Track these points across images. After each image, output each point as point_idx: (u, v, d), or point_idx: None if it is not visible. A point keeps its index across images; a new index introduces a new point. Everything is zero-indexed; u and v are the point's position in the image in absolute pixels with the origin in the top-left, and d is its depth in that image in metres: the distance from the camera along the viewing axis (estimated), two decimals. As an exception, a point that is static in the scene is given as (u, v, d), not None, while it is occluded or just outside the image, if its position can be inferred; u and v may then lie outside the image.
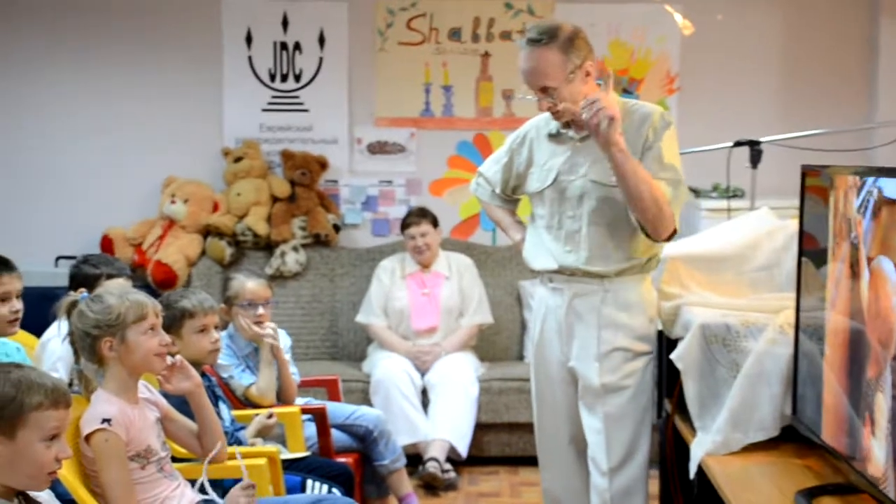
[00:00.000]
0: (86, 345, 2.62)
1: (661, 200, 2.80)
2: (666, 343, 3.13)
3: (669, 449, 3.15)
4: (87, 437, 2.52)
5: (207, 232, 5.32)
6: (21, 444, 2.00)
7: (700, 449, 2.74)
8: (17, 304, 3.04)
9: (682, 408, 2.96)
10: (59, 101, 5.42)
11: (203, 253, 5.33)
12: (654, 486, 3.36)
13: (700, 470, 2.73)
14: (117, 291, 2.68)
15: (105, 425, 2.51)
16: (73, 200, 5.43)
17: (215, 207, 5.35)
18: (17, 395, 2.02)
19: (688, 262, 3.19)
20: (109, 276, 3.45)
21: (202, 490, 2.67)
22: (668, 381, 3.20)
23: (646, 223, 2.83)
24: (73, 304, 2.64)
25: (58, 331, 3.23)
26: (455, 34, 5.43)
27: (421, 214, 4.97)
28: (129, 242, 5.35)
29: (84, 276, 3.42)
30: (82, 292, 2.70)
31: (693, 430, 2.85)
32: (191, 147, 5.47)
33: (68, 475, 2.43)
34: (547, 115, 2.99)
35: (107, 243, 5.31)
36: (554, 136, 3.07)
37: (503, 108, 5.47)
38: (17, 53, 5.39)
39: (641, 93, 5.35)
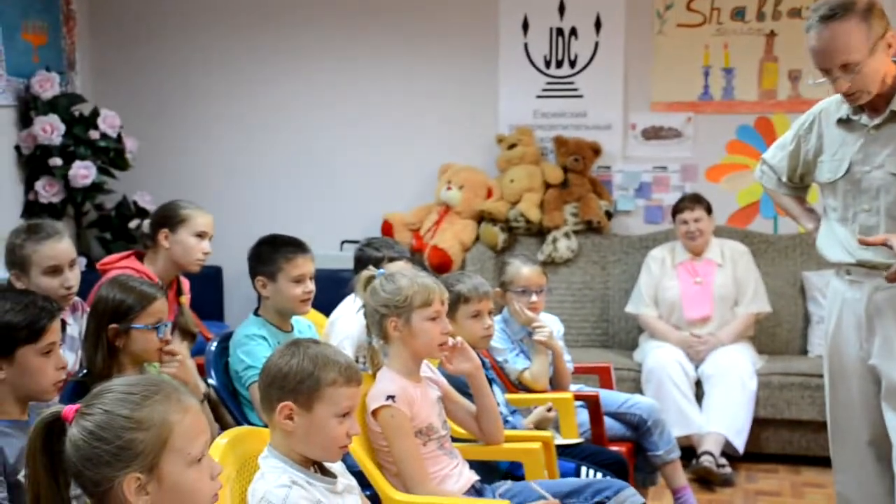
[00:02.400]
0: (375, 321, 2.73)
1: None
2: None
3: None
4: (374, 413, 2.63)
5: (481, 218, 5.41)
6: (317, 418, 2.12)
7: None
8: (311, 286, 3.21)
9: None
10: (341, 94, 5.68)
11: (477, 238, 5.43)
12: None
13: None
14: (409, 274, 2.76)
15: (390, 402, 2.62)
16: (355, 188, 5.68)
17: (489, 194, 5.44)
18: (315, 371, 2.14)
19: None
20: (391, 259, 3.57)
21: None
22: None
23: None
24: (370, 279, 2.76)
25: (354, 303, 3.40)
26: (738, 13, 5.20)
27: (695, 200, 4.81)
28: (408, 227, 5.54)
29: (368, 259, 3.56)
30: (380, 269, 2.81)
31: None
32: (466, 134, 5.58)
33: (357, 448, 2.55)
34: (837, 98, 2.80)
35: (387, 228, 5.53)
36: (844, 122, 2.87)
37: (788, 90, 5.19)
38: (297, 49, 5.68)
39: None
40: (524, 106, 5.50)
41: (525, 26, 5.44)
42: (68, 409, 1.59)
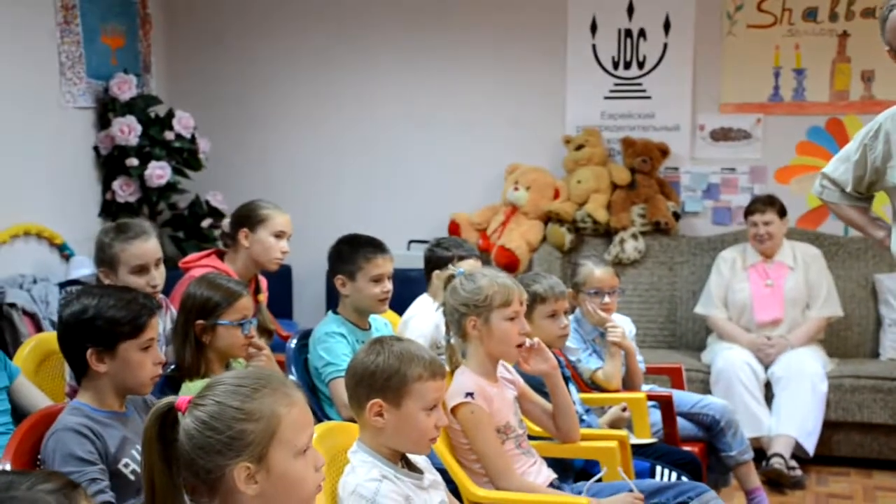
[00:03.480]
0: (454, 319, 2.77)
1: None
2: None
3: None
4: (453, 410, 2.67)
5: (548, 218, 5.43)
6: (406, 413, 2.17)
7: None
8: (388, 285, 3.26)
9: None
10: (409, 95, 5.74)
11: (544, 239, 5.45)
12: None
13: None
14: (490, 274, 2.79)
15: (469, 398, 2.66)
16: (423, 188, 5.73)
17: (556, 194, 5.46)
18: (401, 367, 2.20)
19: None
20: (461, 258, 3.61)
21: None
22: None
23: None
24: (451, 278, 2.80)
25: (427, 302, 3.45)
26: (810, 14, 5.16)
27: (768, 202, 4.79)
28: (474, 227, 5.57)
29: (437, 259, 3.62)
30: (460, 268, 2.86)
31: None
32: (533, 135, 5.61)
33: (439, 445, 2.60)
34: None
35: (454, 228, 5.56)
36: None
37: (861, 91, 5.13)
38: (366, 51, 5.74)
39: None
40: (592, 107, 5.51)
41: (593, 27, 5.46)
42: (181, 400, 1.66)
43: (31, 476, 1.17)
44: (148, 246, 3.16)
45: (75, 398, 2.32)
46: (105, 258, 3.15)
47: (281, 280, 5.66)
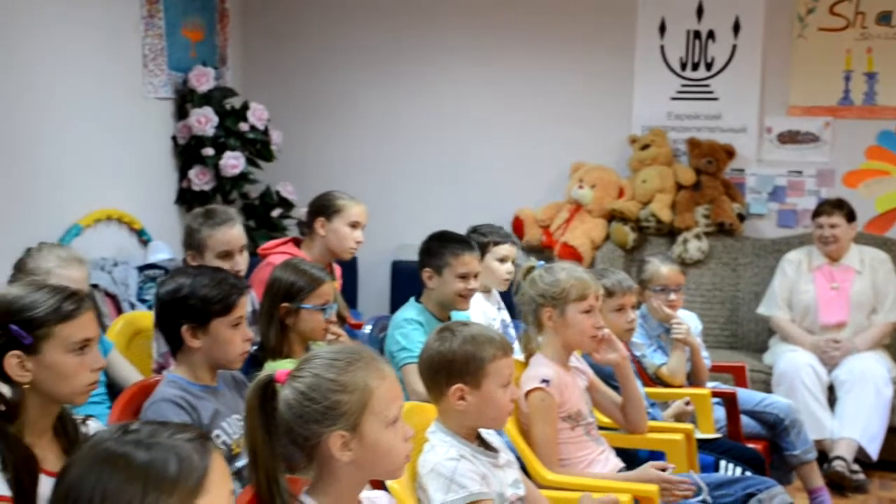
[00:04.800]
0: (530, 310, 2.87)
1: None
2: None
3: None
4: (526, 394, 2.76)
5: (612, 217, 5.49)
6: (486, 393, 2.27)
7: None
8: (474, 283, 3.34)
9: None
10: (476, 91, 5.81)
11: (607, 237, 5.50)
12: None
13: None
14: (568, 267, 2.89)
15: (543, 385, 2.75)
16: (487, 184, 5.79)
17: (620, 193, 5.51)
18: (476, 350, 2.29)
19: None
20: (496, 243, 3.79)
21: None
22: None
23: None
24: (530, 269, 2.90)
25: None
26: (884, 18, 5.14)
27: (836, 205, 4.79)
28: (538, 224, 5.64)
29: (475, 244, 3.67)
30: (539, 260, 2.95)
31: None
32: (599, 134, 5.66)
33: (511, 427, 2.69)
34: None
35: (518, 224, 5.64)
36: None
37: (934, 96, 5.13)
38: (434, 48, 5.84)
39: None
40: (658, 107, 5.55)
41: (662, 29, 5.49)
42: (280, 373, 1.77)
43: (170, 427, 1.28)
44: (234, 232, 3.29)
45: (171, 371, 2.45)
46: (193, 243, 3.28)
47: (347, 270, 5.79)
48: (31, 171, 4.22)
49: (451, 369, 2.28)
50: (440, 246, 3.36)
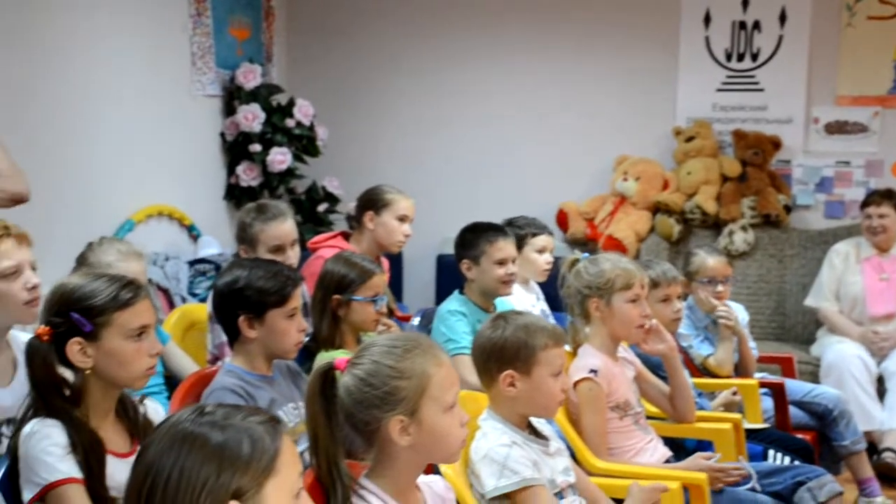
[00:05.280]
0: (577, 301, 2.90)
1: None
2: None
3: None
4: (575, 384, 2.79)
5: (657, 209, 5.49)
6: (536, 380, 2.31)
7: None
8: (513, 268, 3.38)
9: None
10: (519, 85, 5.82)
11: (652, 229, 5.50)
12: None
13: None
14: (612, 258, 2.92)
15: (591, 375, 2.78)
16: (531, 177, 5.81)
17: (665, 185, 5.50)
18: (528, 338, 2.33)
19: None
20: (534, 235, 3.83)
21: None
22: None
23: None
24: (574, 261, 2.93)
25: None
26: (935, 5, 5.12)
27: (885, 195, 4.74)
28: (582, 216, 5.65)
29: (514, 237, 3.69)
30: (583, 252, 2.98)
31: None
32: (643, 126, 5.65)
33: (561, 417, 2.72)
34: None
35: (561, 217, 5.66)
36: None
37: (983, 83, 5.07)
38: (479, 43, 5.85)
39: None
40: (703, 99, 5.53)
41: (707, 20, 5.48)
42: (340, 360, 1.82)
43: (243, 410, 1.34)
44: (285, 227, 3.35)
45: (229, 361, 2.51)
46: (246, 237, 3.34)
47: (392, 264, 5.84)
48: (87, 168, 4.32)
49: (502, 355, 2.32)
50: (474, 236, 3.41)
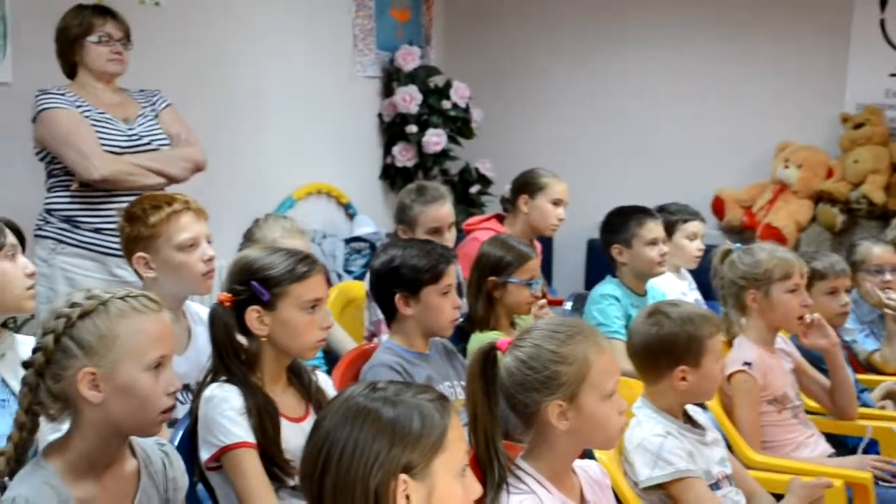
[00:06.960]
0: (731, 292, 2.85)
1: None
2: None
3: None
4: (729, 377, 2.74)
5: (819, 198, 5.30)
6: (705, 369, 2.29)
7: None
8: (664, 248, 3.38)
9: None
10: (676, 69, 5.71)
11: (813, 219, 5.32)
12: None
13: None
14: (768, 248, 2.85)
15: (746, 367, 2.73)
16: (686, 163, 5.68)
17: (829, 174, 5.31)
18: (695, 330, 2.30)
19: None
20: (685, 221, 3.80)
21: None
22: None
23: None
24: (727, 252, 2.88)
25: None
26: None
27: None
28: (740, 204, 5.51)
29: (664, 223, 3.60)
30: (736, 243, 2.93)
31: None
32: (807, 112, 5.46)
33: (717, 408, 2.68)
34: None
35: (718, 204, 5.53)
36: None
37: None
38: (636, 26, 5.78)
39: None
40: (875, 85, 5.29)
41: (883, 2, 5.23)
42: (502, 341, 1.84)
43: (413, 387, 1.39)
44: (444, 210, 3.41)
45: (387, 339, 2.58)
46: (405, 218, 3.41)
47: (543, 248, 5.84)
48: (256, 147, 4.51)
49: (673, 351, 2.28)
50: (622, 220, 3.40)
